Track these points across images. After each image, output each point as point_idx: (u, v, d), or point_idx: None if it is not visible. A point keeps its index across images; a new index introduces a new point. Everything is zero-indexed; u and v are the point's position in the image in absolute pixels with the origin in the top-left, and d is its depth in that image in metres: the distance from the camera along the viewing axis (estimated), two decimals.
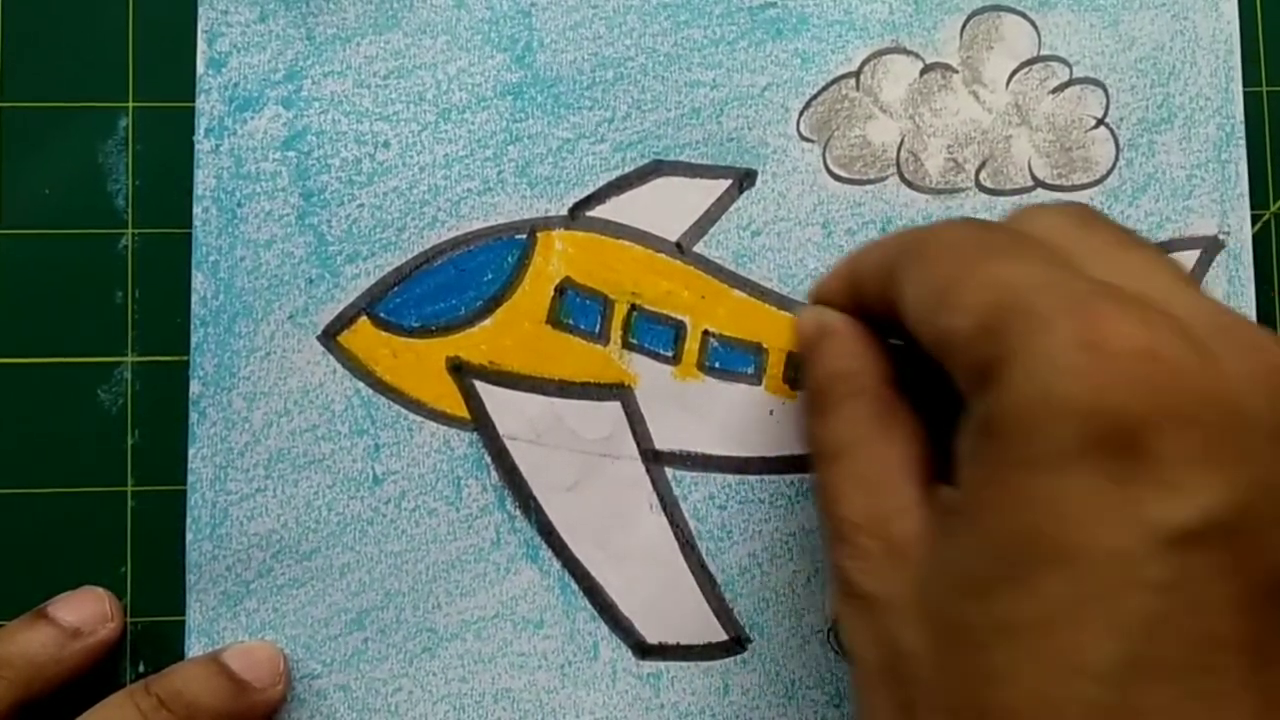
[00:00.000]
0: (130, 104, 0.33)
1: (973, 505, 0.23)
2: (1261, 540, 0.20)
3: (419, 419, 0.33)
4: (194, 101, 0.33)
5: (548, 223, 0.33)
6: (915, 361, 0.26)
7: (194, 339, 0.33)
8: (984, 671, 0.21)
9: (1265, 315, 0.34)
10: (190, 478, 0.32)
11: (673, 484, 0.33)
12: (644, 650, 0.33)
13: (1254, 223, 0.34)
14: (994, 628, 0.21)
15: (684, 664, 0.33)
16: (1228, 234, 0.33)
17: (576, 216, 0.33)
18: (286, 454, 0.33)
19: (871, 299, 0.27)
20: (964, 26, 0.34)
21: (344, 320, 0.33)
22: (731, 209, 0.33)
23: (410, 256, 0.33)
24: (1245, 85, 0.34)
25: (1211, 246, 0.33)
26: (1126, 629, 0.20)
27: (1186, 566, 0.20)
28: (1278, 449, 0.21)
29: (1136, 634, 0.20)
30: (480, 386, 0.33)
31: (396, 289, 0.33)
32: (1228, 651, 0.20)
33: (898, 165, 0.34)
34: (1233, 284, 0.33)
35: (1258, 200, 0.34)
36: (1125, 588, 0.20)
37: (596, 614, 0.33)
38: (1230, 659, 0.20)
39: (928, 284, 0.25)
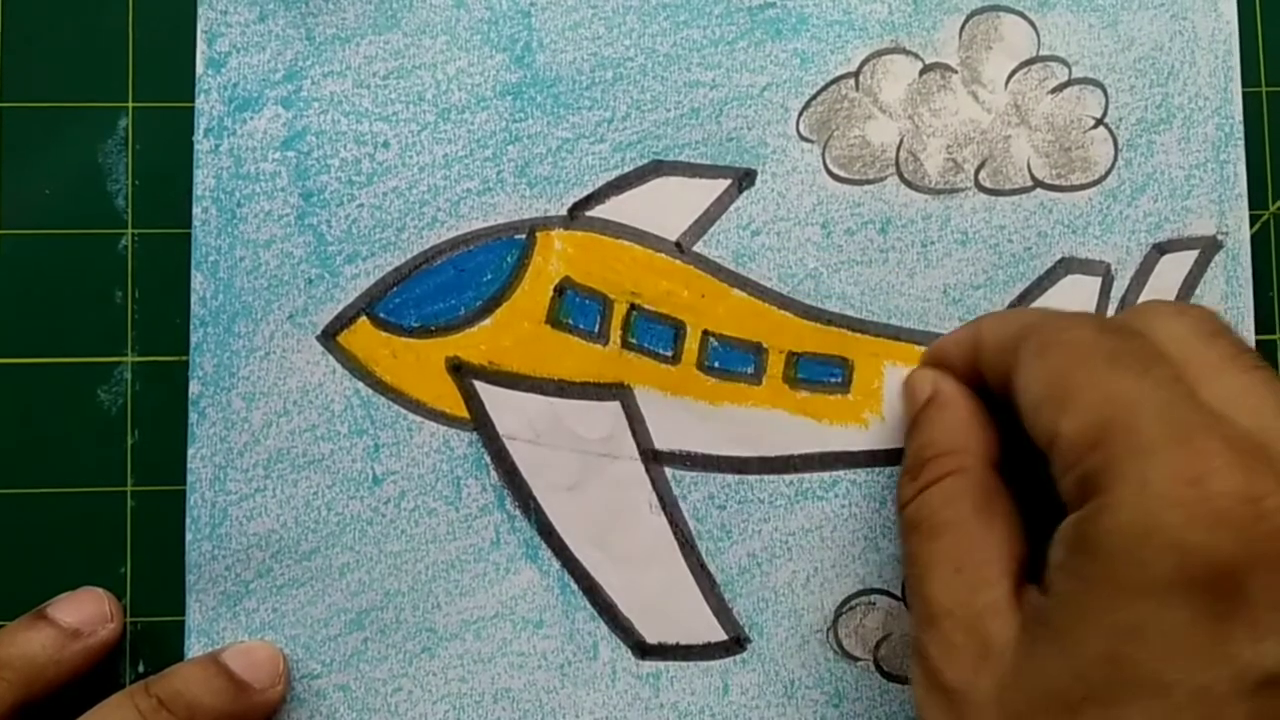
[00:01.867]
0: (130, 104, 0.33)
1: (1064, 620, 0.23)
2: None
3: (419, 419, 0.33)
4: (193, 101, 0.33)
5: (547, 223, 0.33)
6: (1022, 445, 0.26)
7: (193, 339, 0.33)
8: None
9: (1263, 316, 0.34)
10: (190, 478, 0.32)
11: (672, 484, 0.33)
12: (644, 650, 0.33)
13: (1252, 223, 0.34)
14: None
15: (683, 664, 0.33)
16: (1226, 234, 0.33)
17: (576, 216, 0.33)
18: (286, 454, 0.33)
19: (991, 374, 0.28)
20: (963, 27, 0.34)
21: (343, 320, 0.33)
22: (731, 209, 0.33)
23: (410, 256, 0.33)
24: (1244, 86, 0.34)
25: (1210, 247, 0.33)
26: None
27: (1269, 710, 0.21)
28: None
29: None
30: (480, 386, 0.33)
31: (396, 289, 0.33)
32: None
33: (897, 165, 0.34)
34: (1230, 284, 0.33)
35: (1256, 201, 0.34)
36: None
37: (596, 614, 0.33)
38: None
39: (1044, 380, 0.25)
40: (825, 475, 0.33)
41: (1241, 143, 0.34)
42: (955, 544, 0.27)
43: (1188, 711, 0.21)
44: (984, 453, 0.28)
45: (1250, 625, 0.21)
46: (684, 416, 0.33)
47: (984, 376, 0.28)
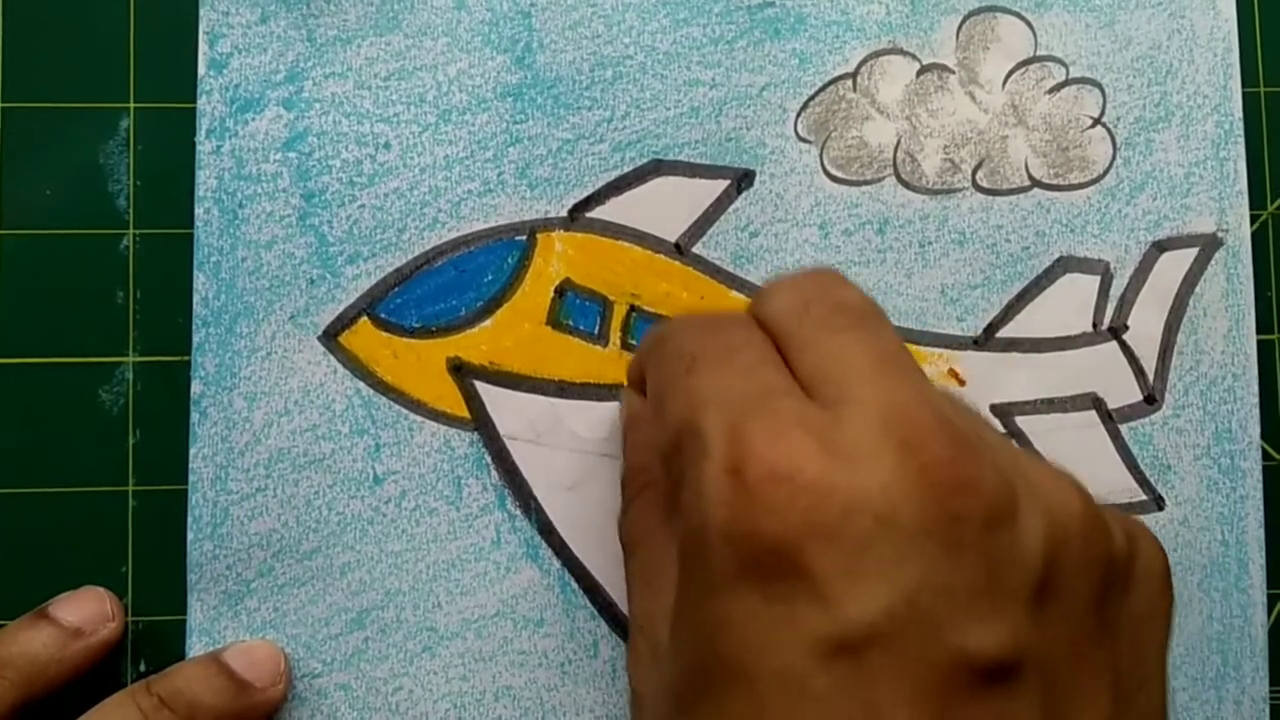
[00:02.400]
0: (131, 104, 0.33)
1: (675, 621, 0.24)
2: (931, 635, 0.21)
3: (419, 419, 0.33)
4: (194, 102, 0.33)
5: (547, 224, 0.33)
6: None
7: (195, 339, 0.33)
8: None
9: (1263, 315, 0.34)
10: (191, 477, 0.32)
11: None
12: None
13: (1252, 223, 0.34)
14: None
15: None
16: (1226, 231, 0.33)
17: (576, 217, 0.34)
18: (287, 454, 0.33)
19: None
20: (960, 27, 0.34)
21: (345, 321, 0.33)
22: (730, 209, 0.34)
23: (411, 257, 0.33)
24: (1243, 86, 0.34)
25: (1210, 244, 0.34)
26: None
27: (853, 674, 0.21)
28: (932, 546, 0.21)
29: None
30: (480, 387, 0.33)
31: (397, 290, 0.33)
32: None
33: (894, 166, 0.34)
34: (1231, 282, 0.33)
35: (1255, 201, 0.34)
36: (797, 703, 0.21)
37: (597, 613, 0.33)
38: None
39: (652, 390, 0.26)
40: None
41: (1242, 139, 0.34)
42: (646, 559, 0.27)
43: (775, 695, 0.21)
44: (659, 471, 0.28)
45: (811, 599, 0.21)
46: None
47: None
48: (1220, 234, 0.33)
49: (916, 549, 0.21)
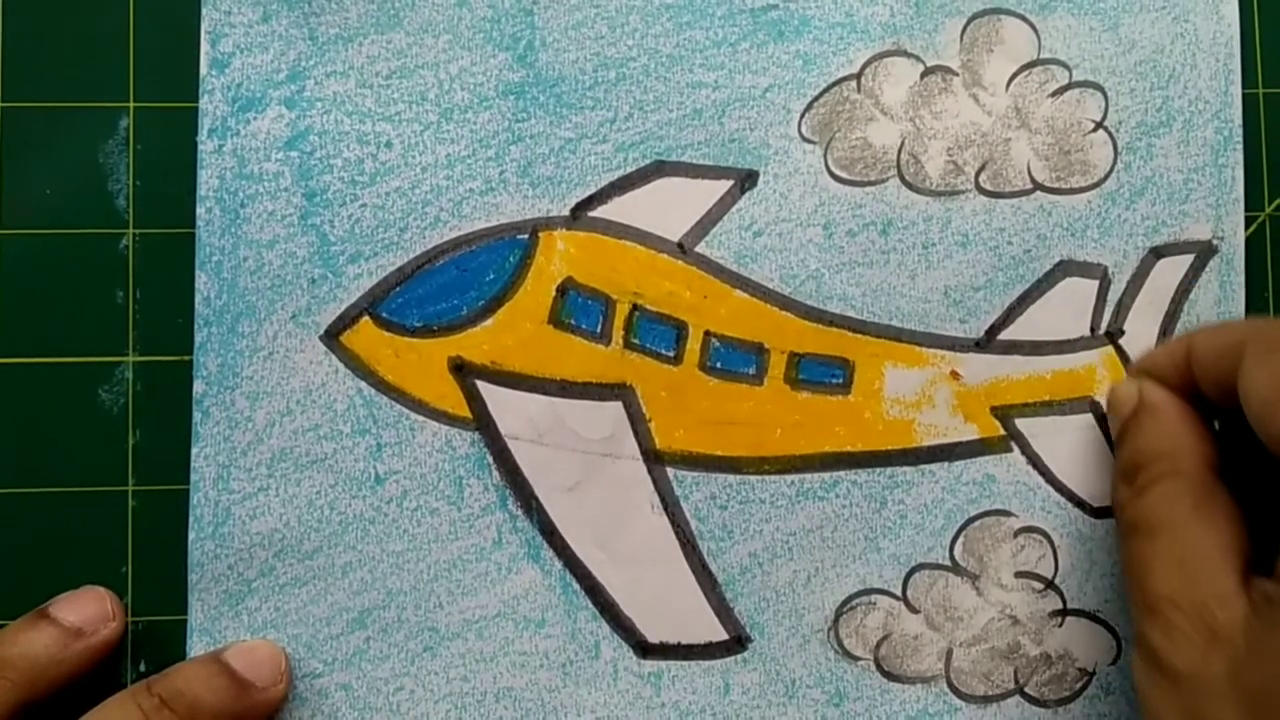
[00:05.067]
0: (131, 104, 0.33)
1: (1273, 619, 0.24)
2: None
3: (421, 419, 0.33)
4: (194, 101, 0.33)
5: (550, 223, 0.33)
6: (1242, 447, 0.27)
7: (197, 339, 0.33)
8: None
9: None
10: (193, 476, 0.32)
11: (674, 484, 0.33)
12: (645, 649, 0.33)
13: (1248, 224, 0.34)
14: None
15: (685, 663, 0.33)
16: (1221, 239, 0.34)
17: (578, 216, 0.33)
18: (289, 453, 0.33)
19: (1208, 381, 0.28)
20: (964, 29, 0.34)
21: (346, 320, 0.33)
22: (733, 209, 0.33)
23: (412, 256, 0.33)
24: (1242, 88, 0.34)
25: (1205, 252, 0.34)
26: None
27: None
28: None
29: None
30: (482, 386, 0.33)
31: (398, 289, 0.33)
32: None
33: (898, 167, 0.34)
34: (1224, 289, 0.34)
35: (1253, 202, 0.34)
36: None
37: (598, 613, 0.33)
38: None
39: (1272, 380, 0.26)
40: (826, 476, 0.33)
41: (1240, 147, 0.34)
42: (1176, 541, 0.27)
43: None
44: (1200, 454, 0.28)
45: None
46: (686, 417, 0.33)
47: (1199, 385, 0.29)
48: (1215, 242, 0.34)
49: None
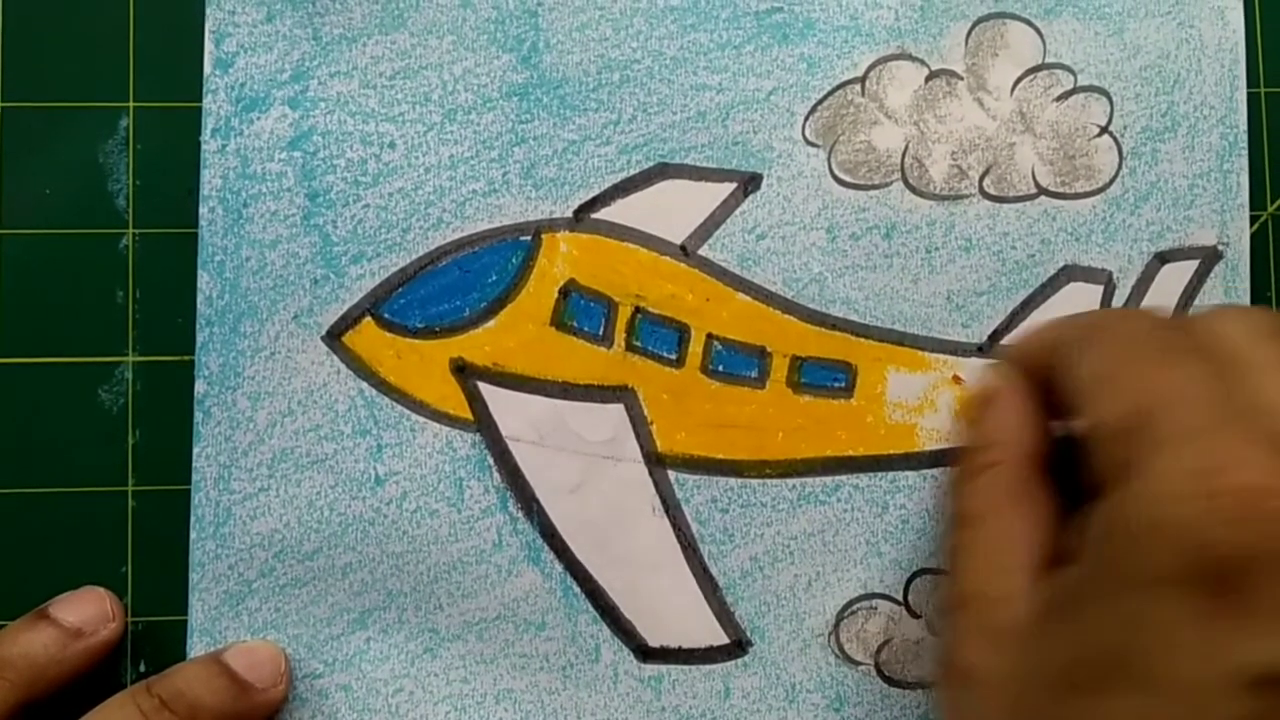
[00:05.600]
0: (131, 104, 0.33)
1: (1073, 605, 0.23)
2: None
3: (422, 420, 0.33)
4: (195, 101, 0.33)
5: (552, 224, 0.33)
6: (1075, 444, 0.26)
7: (199, 339, 0.32)
8: None
9: None
10: (194, 476, 0.32)
11: (675, 487, 0.33)
12: (645, 653, 0.33)
13: (1251, 223, 0.34)
14: None
15: (685, 667, 0.33)
16: (1226, 245, 0.34)
17: (581, 218, 0.33)
18: (290, 454, 0.33)
19: (1058, 369, 0.28)
20: (969, 34, 0.34)
21: (348, 321, 0.33)
22: (736, 212, 0.33)
23: (415, 257, 0.33)
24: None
25: (1210, 257, 0.34)
26: None
27: (1264, 709, 0.20)
28: None
29: None
30: (483, 388, 0.33)
31: (401, 290, 0.33)
32: None
33: (902, 171, 0.34)
34: (1229, 295, 0.34)
35: (1256, 202, 0.34)
36: None
37: (598, 616, 0.33)
38: None
39: (1091, 369, 0.25)
40: (828, 479, 0.33)
41: (1245, 152, 0.34)
42: (986, 533, 0.27)
43: (1175, 706, 0.21)
44: (1026, 445, 0.28)
45: (1249, 623, 0.21)
46: (687, 420, 0.33)
47: (1039, 376, 0.28)
48: (1220, 247, 0.34)
49: None
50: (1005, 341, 0.33)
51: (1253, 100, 0.34)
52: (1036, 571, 0.26)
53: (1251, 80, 0.34)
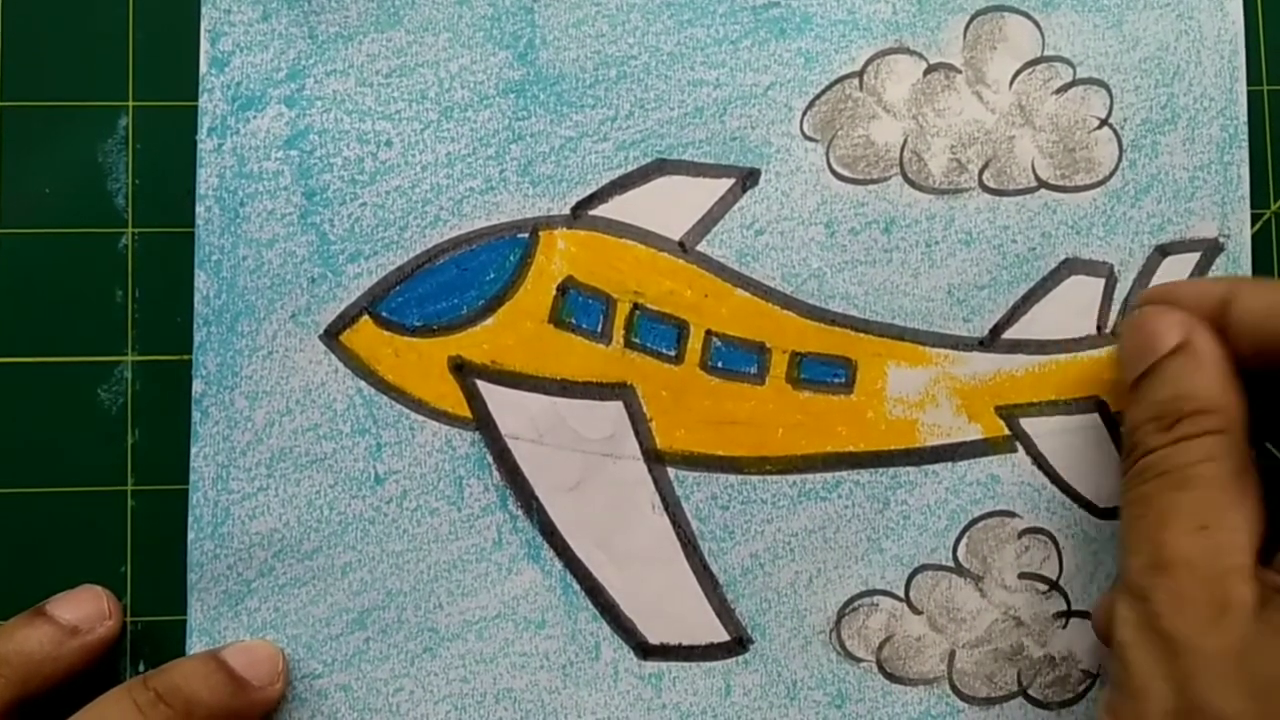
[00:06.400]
0: (130, 104, 0.33)
1: None
2: None
3: (421, 418, 0.33)
4: (193, 101, 0.33)
5: (550, 221, 0.33)
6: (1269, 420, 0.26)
7: (197, 338, 0.32)
8: None
9: None
10: (192, 476, 0.32)
11: (675, 484, 0.33)
12: (646, 651, 0.33)
13: (1253, 222, 0.34)
14: None
15: (686, 664, 0.33)
16: (1228, 237, 0.33)
17: (579, 215, 0.33)
18: (288, 453, 0.33)
19: (1248, 338, 0.27)
20: (967, 27, 0.34)
21: (346, 319, 0.33)
22: (735, 208, 0.33)
23: (412, 255, 0.33)
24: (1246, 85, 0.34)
25: (1211, 249, 0.33)
26: None
27: None
28: None
29: None
30: (482, 386, 0.33)
31: (398, 288, 0.33)
32: None
33: (901, 165, 0.33)
34: None
35: (1258, 200, 0.34)
36: None
37: (598, 614, 0.33)
38: None
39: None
40: (828, 476, 0.33)
41: (1245, 144, 0.34)
42: (1205, 501, 0.26)
43: None
44: (1243, 421, 0.27)
45: None
46: (687, 416, 0.33)
47: (1233, 340, 0.27)
48: (1222, 239, 0.33)
49: None
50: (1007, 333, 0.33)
51: (1256, 98, 0.34)
52: (1256, 559, 0.25)
53: (1254, 78, 0.34)
